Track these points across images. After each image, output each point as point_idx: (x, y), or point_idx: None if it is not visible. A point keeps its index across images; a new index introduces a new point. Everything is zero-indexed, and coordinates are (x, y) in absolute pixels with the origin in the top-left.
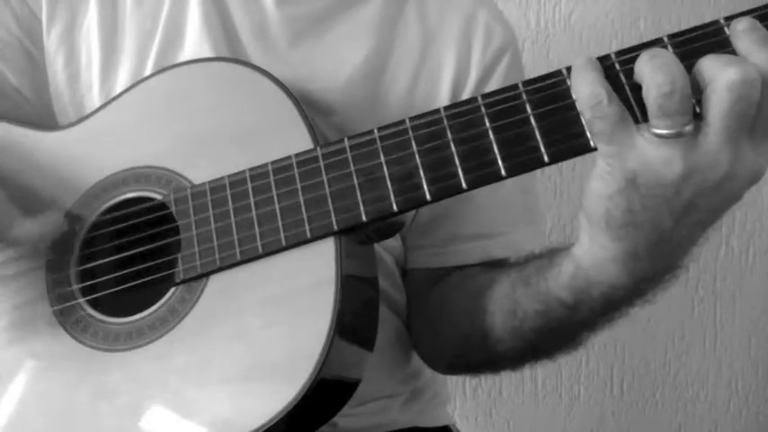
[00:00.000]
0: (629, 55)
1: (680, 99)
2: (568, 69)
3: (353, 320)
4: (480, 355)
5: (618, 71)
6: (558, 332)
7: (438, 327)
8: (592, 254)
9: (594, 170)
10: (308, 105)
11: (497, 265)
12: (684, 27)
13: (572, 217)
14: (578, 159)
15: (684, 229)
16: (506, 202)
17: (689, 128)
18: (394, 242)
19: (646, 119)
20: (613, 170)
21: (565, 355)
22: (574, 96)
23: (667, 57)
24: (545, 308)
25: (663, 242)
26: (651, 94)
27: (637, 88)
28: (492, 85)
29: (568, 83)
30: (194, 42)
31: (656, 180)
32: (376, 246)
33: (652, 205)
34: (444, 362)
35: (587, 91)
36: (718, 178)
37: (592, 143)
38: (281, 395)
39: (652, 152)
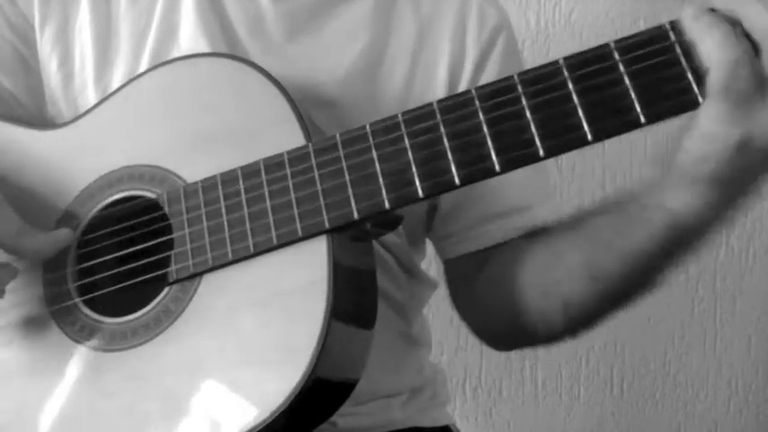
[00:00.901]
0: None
1: None
2: (565, 59)
3: (348, 319)
4: (560, 325)
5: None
6: (647, 279)
7: (500, 308)
8: (691, 206)
9: (694, 131)
10: (306, 100)
11: (552, 235)
12: None
13: None
14: (578, 159)
15: None
16: (526, 177)
17: None
18: (396, 239)
19: None
20: (728, 134)
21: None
22: (705, 54)
23: None
24: (633, 265)
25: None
26: None
27: None
28: (490, 66)
29: (565, 72)
30: (190, 40)
31: None
32: (375, 244)
33: (764, 160)
34: (515, 340)
35: (726, 43)
36: None
37: (589, 136)
38: (275, 394)
39: None
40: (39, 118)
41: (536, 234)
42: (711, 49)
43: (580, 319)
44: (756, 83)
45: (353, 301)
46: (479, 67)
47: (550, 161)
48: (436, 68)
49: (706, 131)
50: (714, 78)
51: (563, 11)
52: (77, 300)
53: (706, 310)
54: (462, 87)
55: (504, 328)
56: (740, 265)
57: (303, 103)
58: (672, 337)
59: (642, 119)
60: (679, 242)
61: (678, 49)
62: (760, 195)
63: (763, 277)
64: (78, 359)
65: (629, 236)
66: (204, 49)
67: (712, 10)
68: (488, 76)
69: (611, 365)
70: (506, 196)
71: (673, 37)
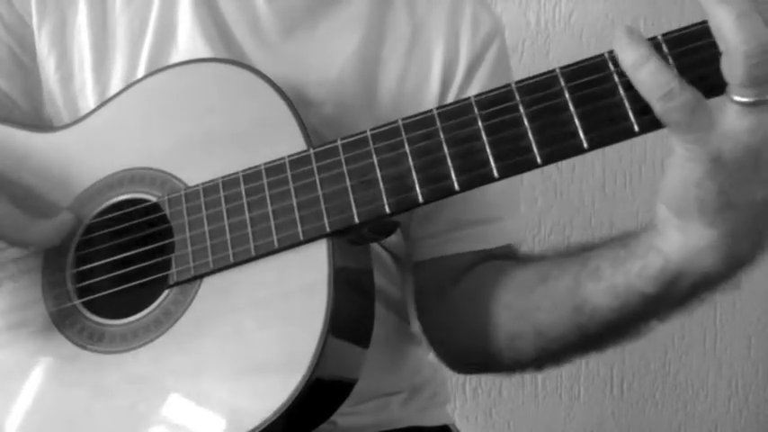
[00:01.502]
0: (673, 35)
1: None
2: (561, 69)
3: (347, 321)
4: (529, 354)
5: (666, 53)
6: (629, 325)
7: (467, 327)
8: (686, 247)
9: (671, 159)
10: (300, 98)
11: (541, 259)
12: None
13: (571, 217)
14: (578, 160)
15: None
16: (502, 188)
17: None
18: (392, 238)
19: (715, 92)
20: (696, 155)
21: (620, 345)
22: (636, 83)
23: (757, 19)
24: (622, 302)
25: (757, 217)
26: (741, 63)
27: (698, 63)
28: (481, 73)
29: (561, 82)
30: (188, 40)
31: (743, 152)
32: (373, 243)
33: (741, 179)
34: (477, 362)
35: (652, 81)
36: None
37: (585, 144)
38: (276, 395)
39: (737, 123)
40: (36, 119)
41: (526, 259)
42: (639, 83)
43: (549, 352)
44: (691, 109)
45: (353, 302)
46: (470, 72)
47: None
48: (429, 70)
49: (674, 159)
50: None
51: (563, 11)
52: (77, 302)
53: (706, 310)
54: (453, 91)
55: (468, 346)
56: None
57: (296, 102)
58: (672, 337)
59: (636, 128)
60: (672, 290)
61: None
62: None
63: (763, 277)
64: (77, 361)
65: (622, 269)
66: (201, 48)
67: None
68: (478, 82)
69: (611, 365)
70: (478, 207)
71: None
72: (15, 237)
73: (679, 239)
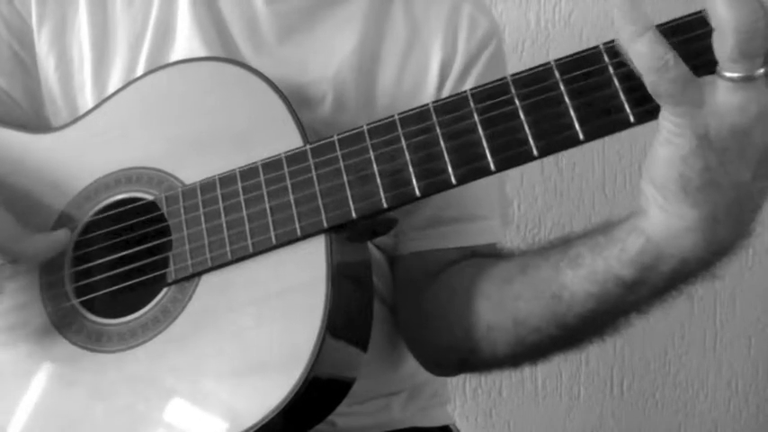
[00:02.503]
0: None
1: (762, 40)
2: (556, 61)
3: (346, 319)
4: (506, 348)
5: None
6: (608, 316)
7: (446, 320)
8: (666, 225)
9: (658, 136)
10: (298, 98)
11: (511, 253)
12: None
13: (571, 217)
14: (578, 160)
15: (760, 181)
16: (487, 187)
17: (762, 70)
18: (388, 240)
19: (705, 71)
20: (683, 130)
21: (598, 342)
22: (632, 60)
23: None
24: (600, 289)
25: (741, 200)
26: (731, 37)
27: (689, 41)
28: (475, 74)
29: (556, 74)
30: (186, 41)
31: (730, 129)
32: (370, 244)
33: (728, 158)
34: (455, 359)
35: (649, 53)
36: None
37: (581, 135)
38: (274, 393)
39: (727, 100)
40: (35, 119)
41: (509, 254)
42: (635, 64)
43: (527, 345)
44: (683, 81)
45: (352, 299)
46: (464, 73)
47: (550, 161)
48: (427, 70)
49: (662, 135)
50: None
51: (563, 11)
52: (75, 301)
53: (706, 309)
54: (446, 90)
55: (446, 342)
56: (740, 265)
57: (295, 102)
58: (672, 337)
59: (632, 118)
60: (649, 276)
61: None
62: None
63: (763, 277)
64: (76, 361)
65: (601, 254)
66: (200, 49)
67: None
68: (472, 82)
69: (611, 365)
70: (463, 203)
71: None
72: (6, 247)
73: (661, 219)
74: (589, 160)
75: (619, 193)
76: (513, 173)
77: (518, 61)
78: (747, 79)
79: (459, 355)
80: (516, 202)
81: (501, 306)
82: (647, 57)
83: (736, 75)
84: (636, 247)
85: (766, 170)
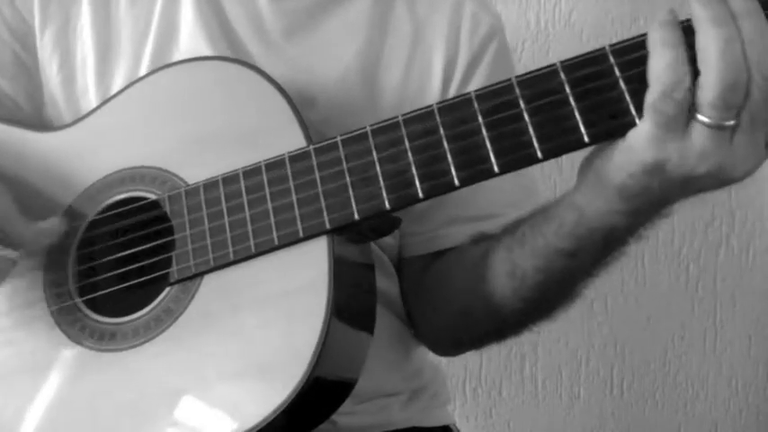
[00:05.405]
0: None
1: (742, 94)
2: (562, 63)
3: (348, 319)
4: (485, 325)
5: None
6: (559, 284)
7: (439, 307)
8: (597, 207)
9: (622, 142)
10: (303, 98)
11: (487, 237)
12: None
13: None
14: (578, 158)
15: (688, 195)
16: (502, 184)
17: (733, 122)
18: (391, 240)
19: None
20: (647, 150)
21: (565, 310)
22: (650, 66)
23: (738, 48)
24: (544, 262)
25: (667, 202)
26: (718, 85)
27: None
28: (480, 72)
29: (562, 76)
30: (190, 40)
31: (687, 171)
32: (372, 245)
33: (668, 187)
34: (449, 341)
35: (674, 66)
36: (738, 174)
37: (586, 138)
38: (276, 393)
39: (696, 142)
40: (38, 121)
41: (484, 237)
42: (653, 66)
43: (501, 319)
44: (683, 111)
45: (353, 300)
46: (469, 71)
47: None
48: (431, 70)
49: (627, 142)
50: (648, 94)
51: (563, 11)
52: (78, 300)
53: (706, 310)
54: (452, 90)
55: (444, 325)
56: (740, 265)
57: (299, 102)
58: (672, 337)
59: (638, 121)
60: (585, 244)
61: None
62: (666, 216)
63: (763, 277)
64: (79, 359)
65: (540, 231)
66: (204, 48)
67: (684, 21)
68: (477, 81)
69: (611, 365)
70: (479, 203)
71: None
72: (8, 231)
73: (594, 201)
74: None
75: None
76: None
77: (518, 61)
78: (719, 128)
79: (453, 336)
80: None
81: (473, 290)
82: (672, 69)
83: (709, 120)
84: (571, 221)
85: (697, 192)
